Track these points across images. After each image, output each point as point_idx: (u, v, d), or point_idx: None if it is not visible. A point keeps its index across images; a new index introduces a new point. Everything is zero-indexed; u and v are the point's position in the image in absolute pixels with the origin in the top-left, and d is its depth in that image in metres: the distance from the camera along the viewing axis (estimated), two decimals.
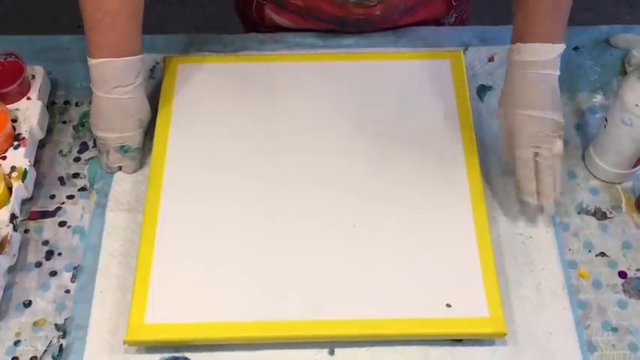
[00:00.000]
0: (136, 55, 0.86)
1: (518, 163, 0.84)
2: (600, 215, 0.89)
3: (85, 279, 0.84)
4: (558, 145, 0.83)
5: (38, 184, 0.91)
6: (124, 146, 0.89)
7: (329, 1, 0.98)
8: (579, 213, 0.89)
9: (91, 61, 0.85)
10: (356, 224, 0.85)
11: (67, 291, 0.83)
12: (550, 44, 0.82)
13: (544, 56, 0.82)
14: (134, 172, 0.91)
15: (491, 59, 1.02)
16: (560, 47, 0.83)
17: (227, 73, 0.98)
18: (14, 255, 0.84)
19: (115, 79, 0.85)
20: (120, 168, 0.91)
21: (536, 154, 0.83)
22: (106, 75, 0.85)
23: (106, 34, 0.84)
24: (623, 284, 0.84)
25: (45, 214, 0.89)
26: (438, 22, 1.08)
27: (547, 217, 0.87)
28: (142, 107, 0.89)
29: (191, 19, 2.05)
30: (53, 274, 0.85)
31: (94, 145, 0.94)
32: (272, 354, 0.79)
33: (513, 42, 0.85)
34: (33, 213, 0.89)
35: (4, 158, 0.89)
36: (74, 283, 0.84)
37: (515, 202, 0.89)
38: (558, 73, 0.84)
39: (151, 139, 0.92)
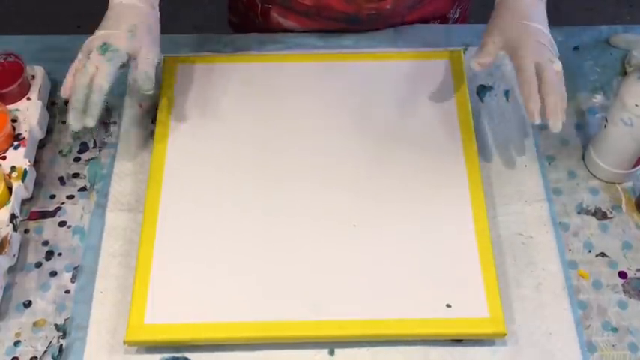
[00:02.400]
0: None
1: (524, 76, 0.83)
2: (600, 215, 0.89)
3: (85, 279, 0.84)
4: (557, 63, 0.84)
5: (38, 184, 0.91)
6: (105, 44, 0.84)
7: None
8: (579, 213, 0.89)
9: None
10: (356, 224, 0.85)
11: (67, 291, 0.83)
12: None
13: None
14: (107, 84, 0.83)
15: None
16: None
17: (227, 73, 0.98)
18: (14, 255, 0.84)
19: None
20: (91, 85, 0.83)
21: (537, 69, 0.83)
22: None
23: None
24: (623, 284, 0.84)
25: (45, 215, 0.89)
26: (443, 17, 1.08)
27: (555, 129, 0.82)
28: (140, 14, 0.86)
29: (191, 19, 2.05)
30: (53, 274, 0.85)
31: (94, 146, 0.94)
32: (272, 354, 0.79)
33: None
34: (33, 213, 0.89)
35: (4, 158, 0.89)
36: (74, 283, 0.84)
37: (516, 202, 0.89)
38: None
39: (152, 137, 0.92)
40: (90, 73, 0.83)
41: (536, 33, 0.85)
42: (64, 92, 0.84)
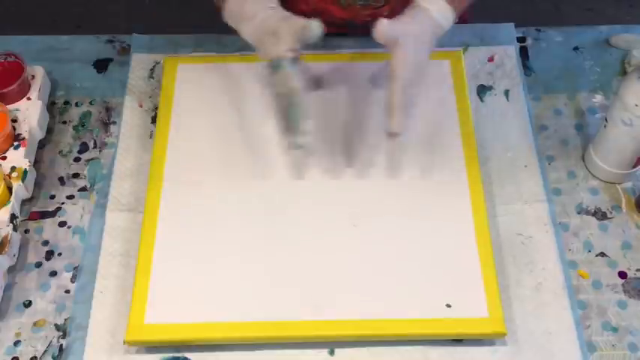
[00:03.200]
0: None
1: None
2: (600, 215, 0.89)
3: (85, 279, 0.84)
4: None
5: (38, 184, 0.91)
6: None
7: (336, 4, 0.98)
8: (579, 213, 0.89)
9: None
10: (356, 224, 0.85)
11: (67, 291, 0.84)
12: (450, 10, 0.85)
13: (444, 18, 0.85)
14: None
15: (491, 59, 1.02)
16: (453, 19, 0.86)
17: (227, 73, 0.98)
18: (14, 255, 0.84)
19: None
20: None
21: None
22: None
23: None
24: (623, 284, 0.84)
25: (45, 215, 0.89)
26: None
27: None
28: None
29: (191, 19, 2.05)
30: (53, 274, 0.85)
31: (94, 146, 0.94)
32: (272, 354, 0.79)
33: None
34: (33, 213, 0.89)
35: (4, 158, 0.89)
36: (74, 283, 0.84)
37: (516, 202, 0.89)
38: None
39: (152, 137, 0.92)
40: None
41: None
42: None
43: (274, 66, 0.81)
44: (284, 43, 0.81)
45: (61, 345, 0.80)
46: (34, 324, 0.81)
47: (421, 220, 0.85)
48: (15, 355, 0.79)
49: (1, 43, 1.01)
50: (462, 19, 1.12)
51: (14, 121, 0.92)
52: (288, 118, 0.81)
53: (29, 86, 0.95)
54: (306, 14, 1.01)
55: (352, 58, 1.00)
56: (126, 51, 1.03)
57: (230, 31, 1.15)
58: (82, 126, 0.96)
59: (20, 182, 0.87)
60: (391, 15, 1.00)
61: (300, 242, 0.84)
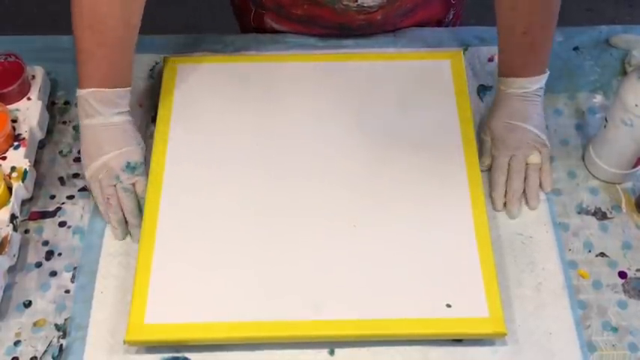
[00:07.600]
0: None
1: (494, 167, 0.90)
2: (600, 215, 0.89)
3: (85, 279, 0.84)
4: (534, 155, 0.89)
5: (38, 184, 0.91)
6: (129, 163, 0.86)
7: (330, 9, 0.98)
8: (579, 213, 0.89)
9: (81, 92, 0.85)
10: (356, 224, 0.85)
11: (67, 291, 0.83)
12: (536, 77, 0.90)
13: (530, 88, 0.89)
14: (143, 193, 0.87)
15: (491, 59, 1.02)
16: (544, 76, 0.90)
17: (227, 73, 0.98)
18: (14, 255, 0.84)
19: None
20: (130, 198, 0.87)
21: (510, 159, 0.89)
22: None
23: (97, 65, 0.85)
24: (623, 284, 0.84)
25: (45, 215, 0.89)
26: (438, 21, 1.08)
27: (509, 216, 0.88)
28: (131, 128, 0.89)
29: (191, 19, 2.05)
30: (53, 274, 0.85)
31: None
32: (272, 354, 0.79)
33: (500, 75, 0.92)
34: (33, 213, 0.89)
35: (4, 158, 0.89)
36: (74, 283, 0.84)
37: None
38: (542, 98, 0.91)
39: (152, 137, 0.92)
40: (128, 199, 0.87)
41: (518, 131, 0.89)
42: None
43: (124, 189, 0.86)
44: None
45: (61, 345, 0.80)
46: (34, 324, 0.81)
47: (421, 221, 0.85)
48: (15, 355, 0.79)
49: (1, 43, 1.01)
50: (458, 16, 1.13)
51: (14, 121, 0.91)
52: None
53: (29, 86, 0.95)
54: (300, 17, 1.01)
55: (352, 58, 1.00)
56: None
57: (230, 31, 1.16)
58: None
59: (20, 182, 0.87)
60: (385, 18, 1.00)
61: (301, 242, 0.84)
